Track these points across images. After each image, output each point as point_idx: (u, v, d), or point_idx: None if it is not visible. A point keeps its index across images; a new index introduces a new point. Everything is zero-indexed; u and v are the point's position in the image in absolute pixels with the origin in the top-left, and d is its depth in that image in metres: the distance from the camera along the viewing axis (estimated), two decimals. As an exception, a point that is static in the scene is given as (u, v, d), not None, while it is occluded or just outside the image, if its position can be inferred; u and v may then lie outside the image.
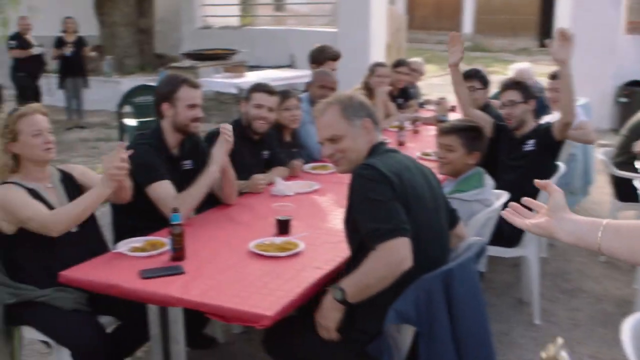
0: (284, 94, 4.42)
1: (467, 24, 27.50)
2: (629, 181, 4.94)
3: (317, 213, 3.56)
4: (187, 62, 11.74)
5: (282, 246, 2.93)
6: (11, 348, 3.07)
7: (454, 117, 5.57)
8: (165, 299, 2.51)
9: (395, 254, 2.32)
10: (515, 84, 4.48)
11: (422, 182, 2.60)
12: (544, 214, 1.64)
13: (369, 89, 5.94)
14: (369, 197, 2.40)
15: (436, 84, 15.88)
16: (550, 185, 1.65)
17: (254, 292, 2.48)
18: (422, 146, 5.32)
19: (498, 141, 4.51)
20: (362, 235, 2.41)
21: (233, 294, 2.47)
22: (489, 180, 3.65)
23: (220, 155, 3.49)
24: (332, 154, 2.63)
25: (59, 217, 2.92)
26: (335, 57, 5.71)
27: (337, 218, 3.43)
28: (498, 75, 5.85)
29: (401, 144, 5.39)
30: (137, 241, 3.04)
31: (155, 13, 14.59)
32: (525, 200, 1.73)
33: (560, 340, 1.17)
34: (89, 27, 13.47)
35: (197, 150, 3.74)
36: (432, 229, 2.56)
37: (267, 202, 3.70)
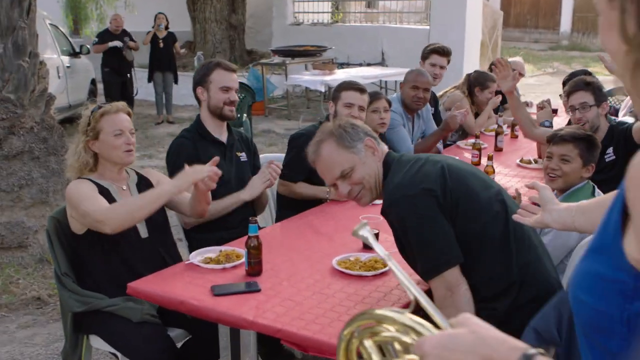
0: (373, 95, 4.12)
1: (565, 22, 26.44)
2: None
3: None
4: (277, 59, 11.63)
5: (368, 264, 2.65)
6: (79, 355, 2.92)
7: (558, 122, 5.13)
8: (237, 321, 2.27)
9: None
10: (586, 85, 3.95)
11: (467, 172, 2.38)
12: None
13: (469, 91, 5.54)
14: (419, 229, 2.21)
15: (532, 84, 15.24)
16: (536, 184, 2.01)
17: (335, 318, 2.22)
18: (521, 153, 4.92)
19: None
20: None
21: (311, 319, 2.21)
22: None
23: (258, 187, 3.38)
24: (350, 191, 2.39)
25: (115, 210, 2.71)
26: (441, 50, 5.31)
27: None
28: (600, 76, 5.39)
29: (499, 149, 5.01)
30: (211, 251, 2.83)
31: (247, 9, 14.59)
32: (532, 197, 1.99)
33: (364, 221, 1.24)
34: (181, 23, 13.60)
35: (249, 145, 3.68)
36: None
37: (351, 211, 3.42)
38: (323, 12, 14.54)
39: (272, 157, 4.04)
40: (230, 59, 13.76)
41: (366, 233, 1.19)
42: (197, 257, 2.76)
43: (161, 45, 10.52)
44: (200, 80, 3.46)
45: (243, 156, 3.59)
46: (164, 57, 10.61)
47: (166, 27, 10.61)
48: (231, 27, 14.09)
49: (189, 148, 3.40)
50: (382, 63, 12.79)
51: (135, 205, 2.73)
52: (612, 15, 0.84)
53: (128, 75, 10.23)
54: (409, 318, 1.01)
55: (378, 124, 4.15)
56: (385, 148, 2.50)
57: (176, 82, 10.86)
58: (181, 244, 3.48)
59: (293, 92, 12.34)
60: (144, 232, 2.92)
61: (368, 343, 1.07)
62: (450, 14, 11.60)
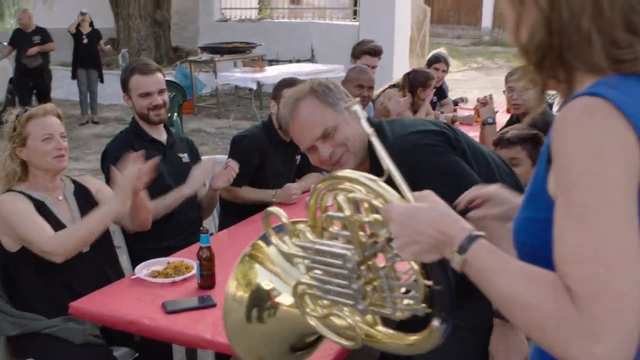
0: None
1: (487, 18, 27.00)
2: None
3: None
4: (205, 56, 11.37)
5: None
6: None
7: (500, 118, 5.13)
8: (194, 341, 2.11)
9: None
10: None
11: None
12: None
13: (411, 92, 5.46)
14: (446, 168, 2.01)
15: (459, 79, 15.46)
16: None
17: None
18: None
19: None
20: None
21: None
22: None
23: (199, 180, 3.28)
24: (332, 153, 2.09)
25: (62, 241, 2.51)
26: (373, 51, 5.24)
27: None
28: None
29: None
30: (158, 263, 2.65)
31: (172, 5, 14.24)
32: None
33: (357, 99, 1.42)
34: (104, 20, 13.14)
35: (191, 147, 3.54)
36: None
37: (302, 214, 3.29)
38: (250, 8, 14.34)
39: (217, 158, 3.89)
40: (155, 56, 13.40)
41: (357, 108, 1.41)
42: (143, 270, 2.57)
43: (85, 41, 10.11)
44: (123, 88, 3.33)
45: (185, 157, 3.42)
46: (88, 54, 10.20)
47: (90, 25, 10.23)
48: (156, 23, 13.71)
49: (125, 150, 3.21)
50: (311, 59, 12.70)
51: (83, 231, 2.54)
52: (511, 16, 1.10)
53: (41, 76, 9.81)
54: (380, 185, 1.20)
55: None
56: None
57: (101, 80, 10.46)
58: (120, 250, 3.27)
59: (222, 90, 12.10)
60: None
61: (341, 198, 1.25)
62: (379, 10, 11.59)
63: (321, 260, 1.29)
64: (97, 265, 2.70)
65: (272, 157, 3.61)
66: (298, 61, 12.42)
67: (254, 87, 9.86)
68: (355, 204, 1.25)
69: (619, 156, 0.95)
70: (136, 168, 2.60)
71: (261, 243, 1.48)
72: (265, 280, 1.46)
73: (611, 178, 0.94)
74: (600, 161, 0.95)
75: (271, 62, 12.01)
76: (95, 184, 2.95)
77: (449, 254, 1.08)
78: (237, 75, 9.90)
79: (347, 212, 1.23)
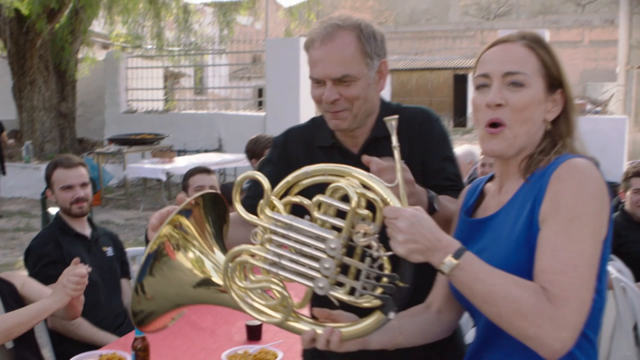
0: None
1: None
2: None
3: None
4: (113, 147, 11.38)
5: (258, 356, 2.64)
6: None
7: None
8: None
9: None
10: None
11: None
12: None
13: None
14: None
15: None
16: None
17: (239, 416, 2.19)
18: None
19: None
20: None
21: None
22: None
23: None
24: (335, 101, 1.84)
25: None
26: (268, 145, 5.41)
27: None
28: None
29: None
30: (89, 357, 2.68)
31: (77, 97, 14.22)
32: None
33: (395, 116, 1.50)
34: (6, 111, 12.96)
35: (115, 240, 3.62)
36: None
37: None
38: (156, 100, 14.51)
39: (137, 251, 3.97)
40: (60, 148, 13.27)
41: (393, 124, 1.46)
42: (75, 365, 2.61)
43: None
44: (47, 183, 3.42)
45: (109, 251, 3.50)
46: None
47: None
48: (61, 115, 13.62)
49: (50, 246, 3.27)
50: (219, 149, 12.91)
51: (12, 323, 2.57)
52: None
53: None
54: (386, 188, 1.38)
55: None
56: None
57: (4, 172, 10.27)
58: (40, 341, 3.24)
59: (130, 181, 12.08)
60: (9, 342, 2.72)
61: (351, 190, 1.38)
62: (285, 100, 12.02)
63: (294, 237, 1.38)
64: (23, 361, 2.71)
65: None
66: (206, 151, 12.60)
67: (164, 177, 9.94)
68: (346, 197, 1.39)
69: (606, 200, 1.37)
70: (80, 270, 2.67)
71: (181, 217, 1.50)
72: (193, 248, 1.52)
73: (601, 216, 1.36)
74: (598, 203, 1.36)
75: (179, 153, 12.14)
76: (19, 278, 2.97)
77: (439, 258, 1.32)
78: (146, 166, 9.96)
79: (353, 204, 1.36)
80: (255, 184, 1.92)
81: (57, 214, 3.40)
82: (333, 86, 1.82)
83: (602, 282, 1.42)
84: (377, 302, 1.35)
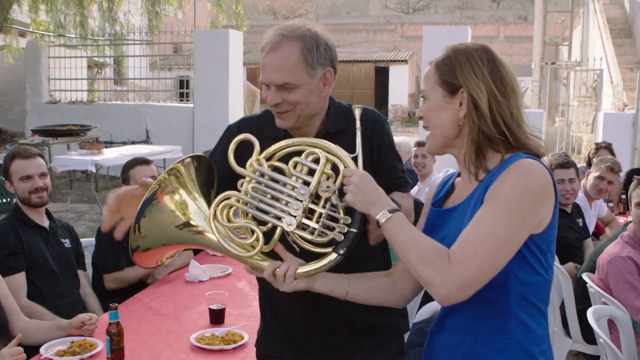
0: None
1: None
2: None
3: (241, 300, 3.43)
4: (37, 139, 11.09)
5: (226, 338, 2.79)
6: None
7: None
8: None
9: None
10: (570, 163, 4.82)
11: None
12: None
13: None
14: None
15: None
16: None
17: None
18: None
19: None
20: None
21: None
22: None
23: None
24: (278, 104, 2.03)
25: None
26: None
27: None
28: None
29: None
30: (61, 343, 2.77)
31: (-5, 86, 13.77)
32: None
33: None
34: None
35: (71, 232, 3.69)
36: None
37: (184, 289, 3.55)
38: (80, 90, 14.20)
39: (87, 242, 4.03)
40: (-22, 139, 12.85)
41: (357, 113, 1.90)
42: (48, 350, 2.69)
43: None
44: (5, 175, 3.47)
45: (67, 243, 3.56)
46: None
47: None
48: (-21, 105, 13.18)
49: (10, 237, 3.30)
50: (147, 141, 12.79)
51: None
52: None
53: None
54: (349, 158, 1.75)
55: None
56: None
57: None
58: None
59: (55, 173, 11.84)
60: None
61: (323, 155, 1.73)
62: (214, 92, 12.01)
63: (272, 186, 1.72)
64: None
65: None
66: (133, 143, 12.46)
67: (94, 169, 9.79)
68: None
69: (545, 196, 1.61)
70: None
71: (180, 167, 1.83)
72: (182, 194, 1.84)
73: (532, 209, 1.58)
74: (530, 197, 1.58)
75: (106, 145, 11.97)
76: None
77: (378, 210, 1.64)
78: (75, 158, 9.77)
79: (321, 164, 1.71)
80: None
81: (16, 204, 3.43)
82: (277, 91, 2.01)
83: (548, 260, 1.68)
84: (330, 239, 1.69)
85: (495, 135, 1.67)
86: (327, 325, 2.13)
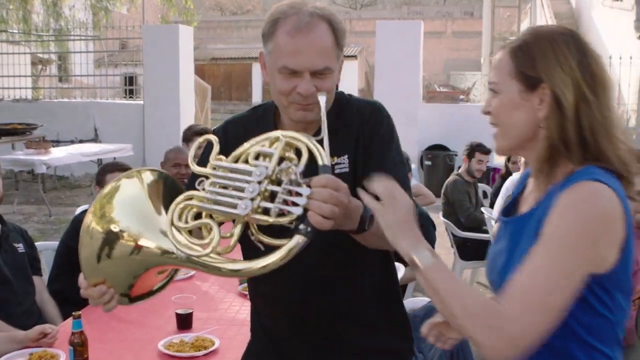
0: None
1: (257, 93, 28.41)
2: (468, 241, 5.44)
3: (208, 302, 3.31)
4: (-21, 138, 10.69)
5: (196, 344, 2.67)
6: None
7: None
8: None
9: None
10: None
11: None
12: None
13: None
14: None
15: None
16: None
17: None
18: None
19: None
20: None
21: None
22: None
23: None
24: (310, 94, 1.71)
25: None
26: (202, 132, 5.51)
27: (234, 306, 3.24)
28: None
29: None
30: (18, 356, 2.61)
31: None
32: None
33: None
34: None
35: (24, 236, 3.54)
36: None
37: (148, 294, 3.40)
38: (24, 88, 13.75)
39: (49, 245, 3.86)
40: None
41: (321, 98, 1.68)
42: (6, 365, 2.53)
43: None
44: None
45: (20, 247, 3.38)
46: None
47: None
48: None
49: None
50: (95, 139, 12.46)
51: None
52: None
53: None
54: (314, 143, 1.56)
55: None
56: None
57: None
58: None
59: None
60: None
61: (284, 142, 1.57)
62: (164, 89, 11.77)
63: (230, 176, 1.55)
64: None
65: None
66: (81, 141, 12.12)
67: (44, 169, 9.46)
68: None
69: (608, 230, 1.34)
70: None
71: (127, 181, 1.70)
72: (120, 216, 1.66)
73: (592, 250, 1.33)
74: (591, 238, 1.32)
75: (53, 143, 11.61)
76: None
77: (412, 247, 1.40)
78: (21, 157, 9.43)
79: (280, 146, 1.55)
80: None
81: None
82: (310, 79, 1.70)
83: (615, 299, 1.41)
84: (295, 222, 1.48)
85: (576, 142, 1.40)
86: (322, 347, 1.92)
